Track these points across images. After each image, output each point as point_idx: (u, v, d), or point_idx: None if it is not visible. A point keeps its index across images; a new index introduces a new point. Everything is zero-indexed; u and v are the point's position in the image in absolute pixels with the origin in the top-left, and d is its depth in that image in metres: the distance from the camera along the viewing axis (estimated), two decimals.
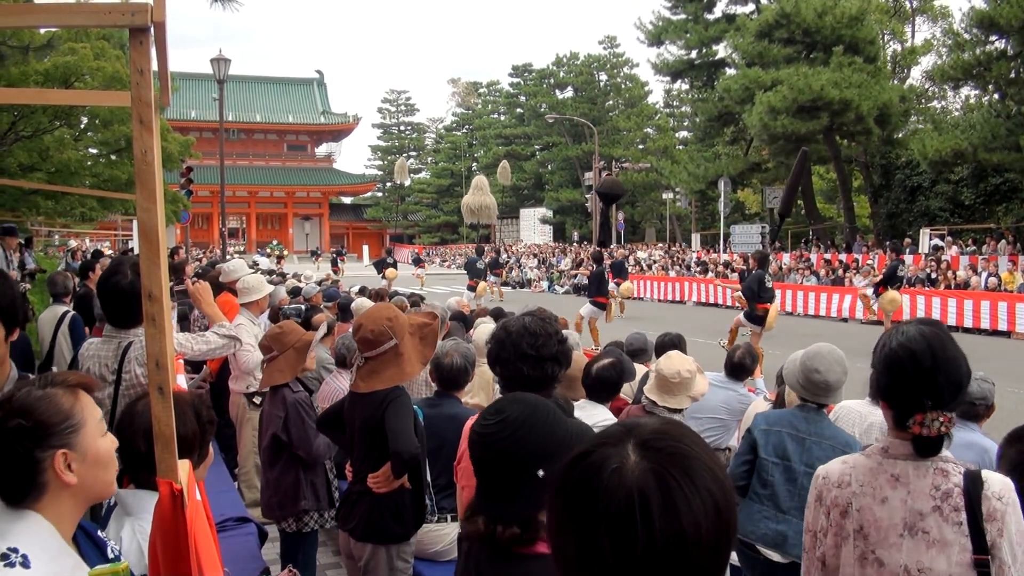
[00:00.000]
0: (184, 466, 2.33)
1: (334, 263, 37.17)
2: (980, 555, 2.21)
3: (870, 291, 17.57)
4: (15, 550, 1.83)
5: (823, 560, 2.49)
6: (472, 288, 24.16)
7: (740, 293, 20.00)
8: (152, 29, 2.09)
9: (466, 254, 36.64)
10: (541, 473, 2.02)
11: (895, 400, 2.39)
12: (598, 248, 20.42)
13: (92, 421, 2.06)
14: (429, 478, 4.28)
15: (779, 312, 14.74)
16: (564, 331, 6.87)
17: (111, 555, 2.23)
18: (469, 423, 3.27)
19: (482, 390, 6.15)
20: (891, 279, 17.02)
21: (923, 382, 2.31)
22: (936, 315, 21.60)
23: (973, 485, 2.25)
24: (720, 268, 32.09)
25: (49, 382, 2.05)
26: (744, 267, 21.68)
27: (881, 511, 2.33)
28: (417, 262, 39.63)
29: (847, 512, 2.40)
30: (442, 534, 4.66)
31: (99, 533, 2.25)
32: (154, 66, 2.68)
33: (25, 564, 1.82)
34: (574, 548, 1.17)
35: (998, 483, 2.26)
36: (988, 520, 2.21)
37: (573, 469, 1.22)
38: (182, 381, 4.10)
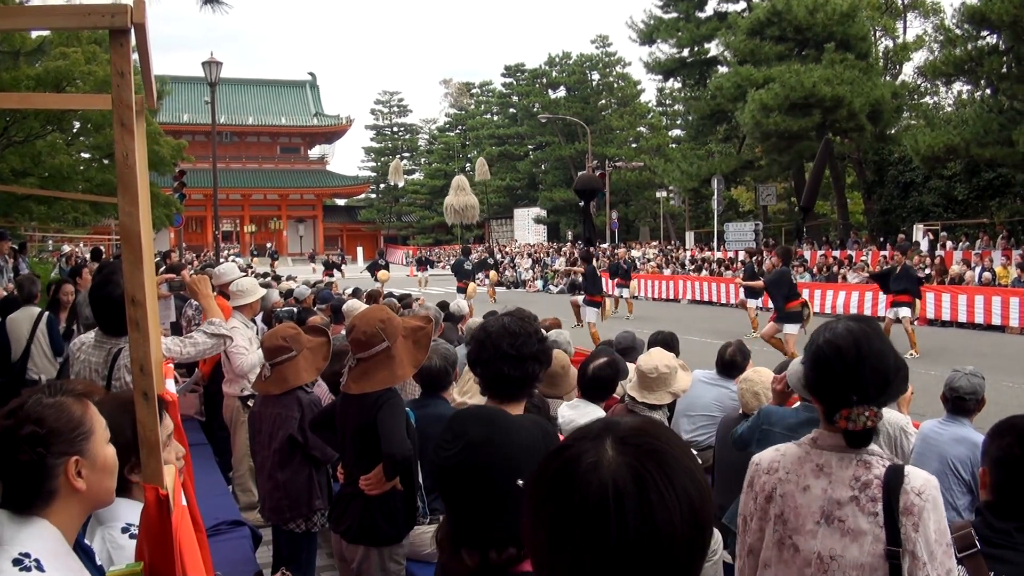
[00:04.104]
0: (170, 472, 2.32)
1: (330, 267, 36.42)
2: (893, 547, 2.23)
3: (890, 312, 16.63)
4: (27, 555, 1.85)
5: (750, 547, 2.52)
6: (462, 290, 24.22)
7: (744, 297, 19.85)
8: (132, 31, 2.08)
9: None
10: (520, 482, 1.91)
11: (823, 395, 2.42)
12: (586, 247, 20.50)
13: (99, 429, 2.09)
14: (420, 480, 4.27)
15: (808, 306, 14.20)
16: (556, 331, 6.88)
17: (98, 562, 2.23)
18: None
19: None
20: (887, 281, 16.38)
21: (848, 377, 2.33)
22: (931, 310, 21.66)
23: (893, 478, 2.28)
24: (714, 266, 32.11)
25: (58, 390, 2.07)
26: (750, 260, 21.58)
27: (802, 498, 2.36)
28: (421, 263, 39.14)
29: (772, 497, 2.43)
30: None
31: (84, 540, 2.24)
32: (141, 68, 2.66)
33: (40, 568, 1.84)
34: (547, 541, 1.17)
35: (920, 479, 2.28)
36: (904, 514, 2.23)
37: (551, 463, 1.22)
38: (171, 386, 4.08)
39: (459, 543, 2.03)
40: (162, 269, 10.50)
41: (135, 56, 2.29)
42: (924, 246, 27.91)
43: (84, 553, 2.13)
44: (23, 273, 15.39)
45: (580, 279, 18.59)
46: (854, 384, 2.31)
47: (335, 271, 33.21)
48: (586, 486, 1.14)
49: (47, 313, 8.55)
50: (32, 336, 8.27)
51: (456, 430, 2.08)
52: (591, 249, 20.61)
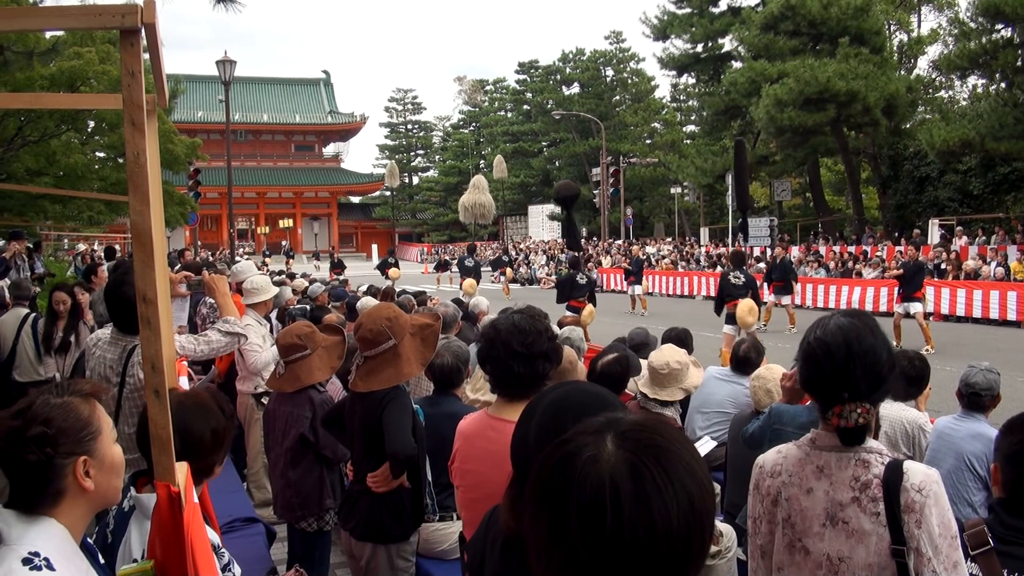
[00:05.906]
0: (182, 469, 2.33)
1: (338, 265, 35.87)
2: (898, 545, 2.21)
3: (900, 308, 16.46)
4: (37, 554, 1.85)
5: (762, 549, 2.52)
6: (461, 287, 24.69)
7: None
8: (143, 31, 2.09)
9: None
10: None
11: (816, 392, 2.40)
12: (573, 253, 20.55)
13: (107, 428, 2.10)
14: (430, 477, 4.27)
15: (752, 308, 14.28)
16: (570, 327, 6.87)
17: (101, 560, 2.24)
18: (463, 422, 3.25)
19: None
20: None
21: (838, 375, 2.31)
22: (945, 306, 21.55)
23: (893, 476, 2.24)
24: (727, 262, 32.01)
25: (65, 390, 2.08)
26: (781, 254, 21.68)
27: (807, 501, 2.35)
28: (441, 266, 38.35)
29: (777, 501, 2.43)
30: (448, 533, 4.64)
31: (88, 540, 2.25)
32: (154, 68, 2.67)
33: (50, 567, 1.85)
34: (546, 533, 1.17)
35: (919, 475, 2.25)
36: (906, 511, 2.20)
37: (551, 456, 1.22)
38: (184, 383, 4.10)
39: None
40: (177, 267, 10.53)
41: (146, 56, 2.29)
42: (932, 239, 27.75)
43: (88, 552, 2.14)
44: (38, 272, 15.51)
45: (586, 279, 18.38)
46: (845, 382, 2.29)
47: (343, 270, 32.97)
48: (583, 479, 1.14)
49: (33, 315, 8.52)
50: (17, 338, 8.23)
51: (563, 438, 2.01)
52: (577, 255, 20.57)
